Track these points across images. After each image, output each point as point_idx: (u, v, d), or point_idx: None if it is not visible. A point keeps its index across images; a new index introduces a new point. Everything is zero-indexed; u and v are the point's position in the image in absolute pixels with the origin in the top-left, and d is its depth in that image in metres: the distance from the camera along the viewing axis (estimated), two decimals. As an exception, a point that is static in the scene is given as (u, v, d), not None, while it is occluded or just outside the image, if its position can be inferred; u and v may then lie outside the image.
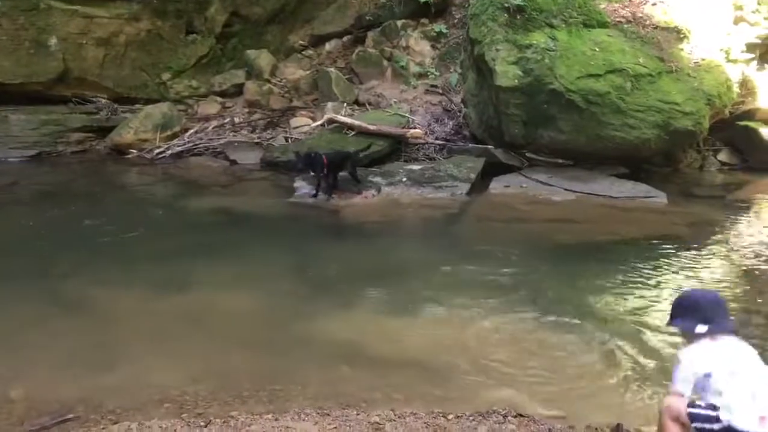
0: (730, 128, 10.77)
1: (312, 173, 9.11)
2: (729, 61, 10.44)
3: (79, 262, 6.44)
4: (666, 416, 2.94)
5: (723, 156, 11.08)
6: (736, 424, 2.77)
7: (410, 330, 5.04)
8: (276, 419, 3.60)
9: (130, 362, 4.45)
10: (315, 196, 8.98)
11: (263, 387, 4.16)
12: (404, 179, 9.49)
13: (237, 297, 5.63)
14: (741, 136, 10.88)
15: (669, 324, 3.23)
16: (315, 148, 9.69)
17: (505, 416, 3.67)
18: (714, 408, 2.84)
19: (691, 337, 3.08)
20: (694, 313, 3.08)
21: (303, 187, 9.31)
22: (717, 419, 2.81)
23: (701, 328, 3.02)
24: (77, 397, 3.95)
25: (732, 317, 3.18)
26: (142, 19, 12.99)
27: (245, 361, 4.52)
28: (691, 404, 2.89)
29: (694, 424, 2.86)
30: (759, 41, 11.07)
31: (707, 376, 2.90)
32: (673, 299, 3.24)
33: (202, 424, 3.54)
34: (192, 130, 12.00)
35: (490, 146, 10.21)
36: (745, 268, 6.63)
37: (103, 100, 12.71)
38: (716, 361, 2.93)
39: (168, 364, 4.43)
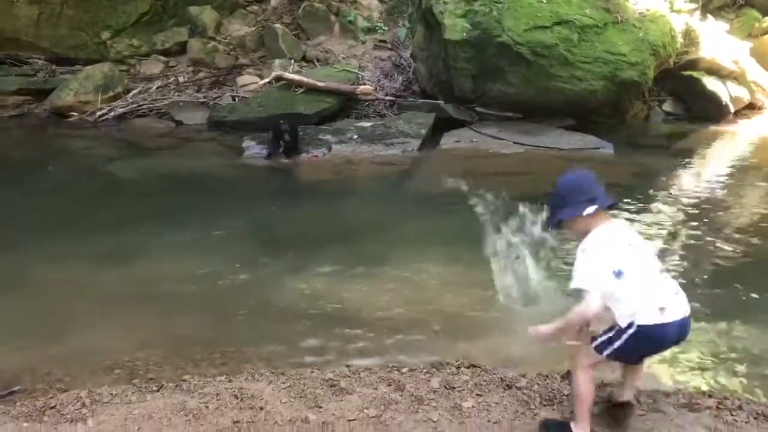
0: (674, 78, 10.97)
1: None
2: (673, 11, 10.59)
3: (20, 233, 6.21)
4: (578, 366, 2.94)
5: (668, 106, 11.31)
6: (641, 322, 2.75)
7: (364, 287, 5.04)
8: (229, 380, 3.58)
9: (78, 332, 4.33)
10: (269, 157, 8.81)
11: (216, 350, 4.11)
12: (355, 137, 9.42)
13: (188, 263, 5.52)
14: (685, 86, 11.10)
15: (549, 226, 3.00)
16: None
17: (458, 367, 3.72)
18: (611, 328, 2.82)
19: (578, 223, 2.87)
20: (577, 196, 2.85)
21: (252, 147, 9.15)
22: (620, 332, 2.78)
23: (590, 209, 2.82)
24: (23, 368, 3.85)
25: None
26: (77, -25, 12.45)
27: (198, 326, 4.45)
28: (594, 338, 2.89)
29: (605, 353, 2.85)
30: (701, -9, 11.25)
31: (618, 274, 2.76)
32: (548, 197, 2.99)
33: (154, 388, 3.50)
34: (135, 91, 11.64)
35: (440, 101, 10.19)
36: (688, 213, 6.81)
37: (40, 61, 12.23)
38: (624, 257, 2.80)
39: (118, 332, 4.33)
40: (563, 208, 2.89)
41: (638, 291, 2.78)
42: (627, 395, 3.13)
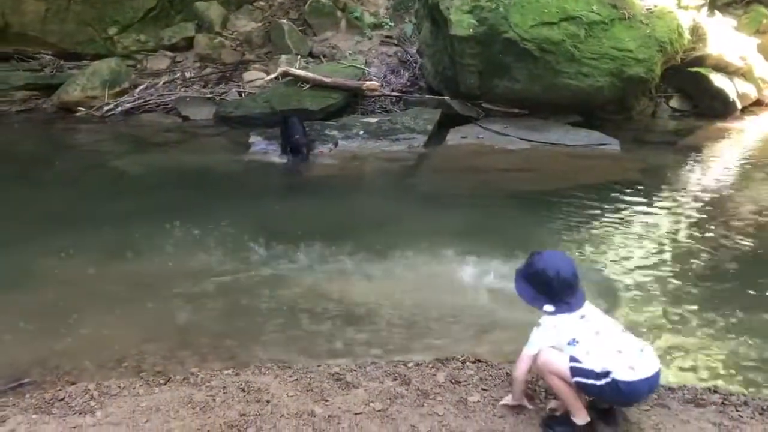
0: (681, 75, 10.92)
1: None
2: (680, 7, 10.53)
3: (28, 227, 6.24)
4: (545, 371, 3.03)
5: (674, 102, 11.26)
6: (616, 377, 2.86)
7: (370, 282, 5.07)
8: (236, 374, 3.61)
9: (86, 326, 4.37)
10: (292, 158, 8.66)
11: (223, 344, 4.16)
12: (361, 132, 9.42)
13: (195, 258, 5.55)
14: (691, 83, 11.05)
15: (517, 291, 3.15)
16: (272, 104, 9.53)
17: (463, 362, 3.74)
18: (597, 367, 2.92)
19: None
20: (544, 289, 3.05)
21: (258, 142, 9.16)
22: (598, 375, 2.88)
23: (548, 308, 3.03)
24: (32, 360, 3.89)
25: (581, 290, 3.09)
26: (84, -29, 12.45)
27: (205, 321, 4.49)
28: (574, 359, 2.95)
29: (575, 379, 2.93)
30: (709, -13, 11.20)
31: (572, 342, 2.97)
32: (529, 259, 3.15)
33: (162, 381, 3.53)
34: (142, 86, 11.64)
35: (446, 97, 10.18)
36: (694, 209, 6.80)
37: (47, 57, 12.25)
38: (579, 328, 2.99)
39: (125, 326, 4.37)
40: (527, 287, 3.10)
41: (604, 349, 2.92)
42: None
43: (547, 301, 3.04)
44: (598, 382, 2.88)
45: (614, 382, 2.85)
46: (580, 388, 2.96)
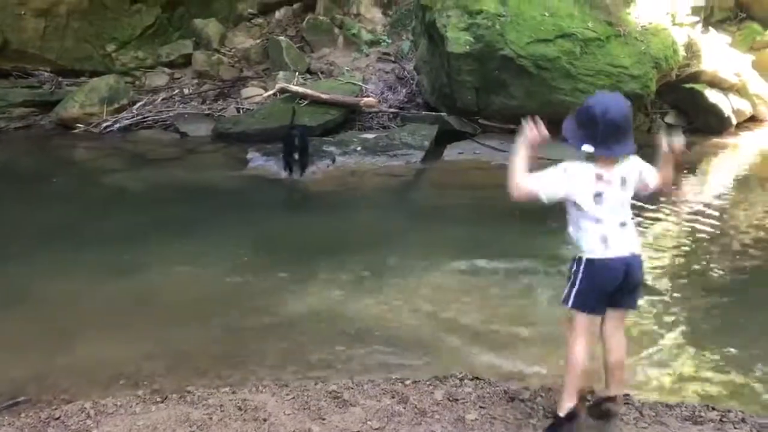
0: (676, 91, 10.98)
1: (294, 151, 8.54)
2: (675, 24, 10.63)
3: (26, 244, 6.24)
4: (573, 344, 3.00)
5: (670, 118, 11.30)
6: (588, 256, 2.87)
7: (368, 299, 5.05)
8: (233, 392, 3.60)
9: (82, 343, 4.35)
10: (291, 173, 8.61)
11: (220, 361, 4.14)
12: (358, 148, 9.45)
13: (192, 274, 5.55)
14: (687, 99, 11.11)
15: (563, 128, 2.97)
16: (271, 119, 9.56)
17: (461, 379, 3.73)
18: (568, 277, 2.98)
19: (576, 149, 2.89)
20: (588, 127, 2.84)
21: (257, 158, 9.18)
22: (576, 273, 2.91)
23: (587, 148, 2.84)
24: (28, 378, 3.87)
25: (632, 142, 2.95)
26: (83, -12, 12.53)
27: (202, 338, 4.47)
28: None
29: (570, 303, 2.96)
30: (703, 4, 11.29)
31: (578, 208, 2.93)
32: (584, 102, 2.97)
33: (159, 399, 3.52)
34: (140, 103, 11.70)
35: (443, 113, 10.23)
36: (690, 225, 6.82)
37: (46, 74, 12.30)
38: (588, 195, 2.90)
39: (122, 343, 4.35)
40: (572, 123, 2.95)
41: (588, 223, 2.88)
42: (612, 390, 3.13)
43: (587, 141, 2.84)
44: (579, 278, 2.88)
45: (587, 263, 2.87)
46: (579, 304, 2.93)
